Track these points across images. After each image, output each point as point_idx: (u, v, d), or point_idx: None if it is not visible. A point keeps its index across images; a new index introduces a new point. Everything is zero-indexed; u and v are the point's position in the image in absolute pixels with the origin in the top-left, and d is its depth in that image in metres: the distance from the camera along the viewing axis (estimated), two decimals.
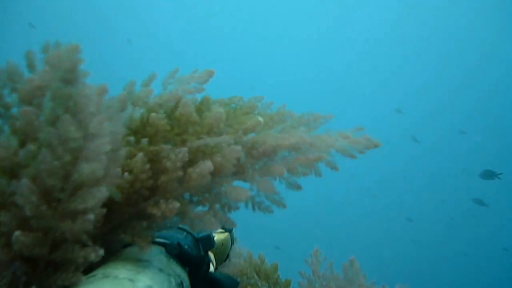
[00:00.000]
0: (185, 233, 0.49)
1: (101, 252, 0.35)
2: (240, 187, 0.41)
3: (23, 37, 12.46)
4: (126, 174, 0.38)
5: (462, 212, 12.29)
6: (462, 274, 12.13)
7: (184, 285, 0.39)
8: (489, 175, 4.56)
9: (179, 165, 0.39)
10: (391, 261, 12.43)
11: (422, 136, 13.42)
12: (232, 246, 0.71)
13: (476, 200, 6.07)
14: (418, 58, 14.82)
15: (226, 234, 0.70)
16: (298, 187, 0.47)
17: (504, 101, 13.81)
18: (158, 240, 0.42)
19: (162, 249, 0.41)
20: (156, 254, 0.39)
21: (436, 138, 14.24)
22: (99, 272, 0.33)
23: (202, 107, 0.47)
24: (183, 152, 0.39)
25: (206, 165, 0.39)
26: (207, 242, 0.50)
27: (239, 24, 16.17)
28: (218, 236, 0.69)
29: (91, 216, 0.33)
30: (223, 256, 0.69)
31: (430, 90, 14.79)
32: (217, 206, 0.43)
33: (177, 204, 0.39)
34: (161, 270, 0.36)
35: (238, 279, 0.58)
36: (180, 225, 0.50)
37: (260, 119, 0.46)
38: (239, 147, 0.41)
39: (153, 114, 0.42)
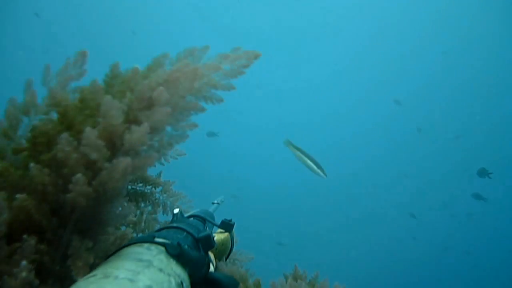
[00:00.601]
0: (185, 233, 0.49)
1: (23, 262, 0.36)
2: (136, 128, 0.41)
3: (29, 27, 12.48)
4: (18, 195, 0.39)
5: (462, 210, 12.31)
6: (464, 274, 12.12)
7: (184, 285, 0.39)
8: (483, 173, 4.71)
9: (67, 149, 0.39)
10: (392, 259, 12.48)
11: (425, 131, 13.38)
12: (232, 246, 0.71)
13: (475, 195, 6.15)
14: (419, 55, 14.64)
15: (226, 234, 0.70)
16: (202, 108, 0.48)
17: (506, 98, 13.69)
18: (158, 240, 0.42)
19: (162, 249, 0.41)
20: (156, 254, 0.39)
21: (439, 136, 14.21)
22: (99, 272, 0.33)
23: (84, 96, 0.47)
24: (63, 137, 0.39)
25: (89, 132, 0.39)
26: (207, 242, 0.50)
27: (244, 17, 15.99)
28: (218, 236, 0.69)
29: None
30: (223, 256, 0.69)
31: (433, 87, 14.67)
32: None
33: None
34: (161, 270, 0.36)
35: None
36: (180, 225, 0.50)
37: (137, 67, 0.46)
38: (108, 96, 0.41)
39: (37, 123, 0.42)
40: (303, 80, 16.84)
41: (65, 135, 0.39)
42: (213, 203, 0.84)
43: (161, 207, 0.89)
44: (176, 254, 0.41)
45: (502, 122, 13.90)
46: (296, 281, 0.72)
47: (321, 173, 2.26)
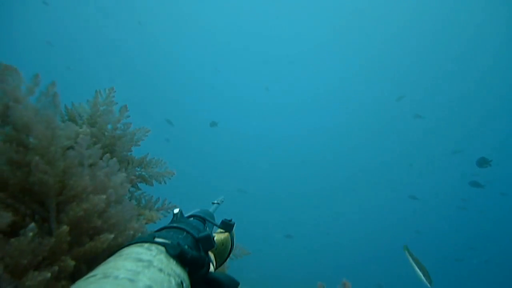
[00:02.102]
0: (185, 233, 0.49)
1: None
2: None
3: (38, 14, 12.52)
4: None
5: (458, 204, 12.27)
6: (467, 270, 12.12)
7: (184, 285, 0.39)
8: (483, 162, 4.57)
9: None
10: (394, 251, 12.53)
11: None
12: (232, 246, 0.71)
13: (472, 182, 5.97)
14: (415, 44, 14.41)
15: (226, 234, 0.70)
16: None
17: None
18: (158, 240, 0.42)
19: (162, 249, 0.41)
20: (156, 254, 0.39)
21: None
22: (99, 272, 0.33)
23: None
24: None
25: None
26: (207, 242, 0.50)
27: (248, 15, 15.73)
28: (218, 236, 0.69)
29: None
30: (223, 256, 0.69)
31: (432, 76, 14.52)
32: None
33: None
34: (161, 270, 0.36)
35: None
36: (180, 225, 0.50)
37: None
38: None
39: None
40: (310, 79, 16.66)
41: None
42: (213, 203, 0.83)
43: (151, 180, 0.92)
44: (176, 254, 0.41)
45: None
46: None
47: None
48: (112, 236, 0.55)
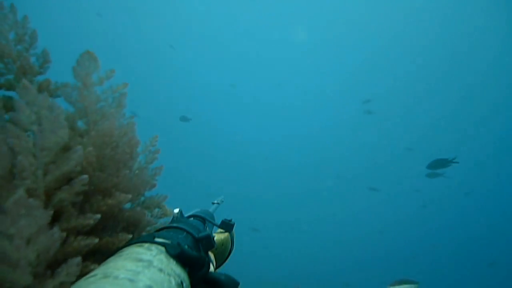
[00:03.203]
0: (185, 233, 0.49)
1: None
2: None
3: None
4: None
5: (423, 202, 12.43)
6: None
7: (184, 285, 0.39)
8: (441, 164, 3.92)
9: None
10: (362, 249, 12.61)
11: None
12: (232, 246, 0.71)
13: (430, 174, 5.34)
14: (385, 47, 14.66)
15: (226, 234, 0.70)
16: None
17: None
18: (158, 240, 0.42)
19: (162, 249, 0.41)
20: (156, 254, 0.39)
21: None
22: (99, 272, 0.33)
23: None
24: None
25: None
26: (207, 242, 0.50)
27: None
28: (218, 236, 0.69)
29: None
30: (223, 256, 0.69)
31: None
32: None
33: None
34: (161, 270, 0.36)
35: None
36: (180, 225, 0.51)
37: None
38: None
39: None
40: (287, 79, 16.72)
41: None
42: (213, 203, 0.84)
43: None
44: (176, 254, 0.41)
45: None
46: None
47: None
48: (130, 236, 0.56)
